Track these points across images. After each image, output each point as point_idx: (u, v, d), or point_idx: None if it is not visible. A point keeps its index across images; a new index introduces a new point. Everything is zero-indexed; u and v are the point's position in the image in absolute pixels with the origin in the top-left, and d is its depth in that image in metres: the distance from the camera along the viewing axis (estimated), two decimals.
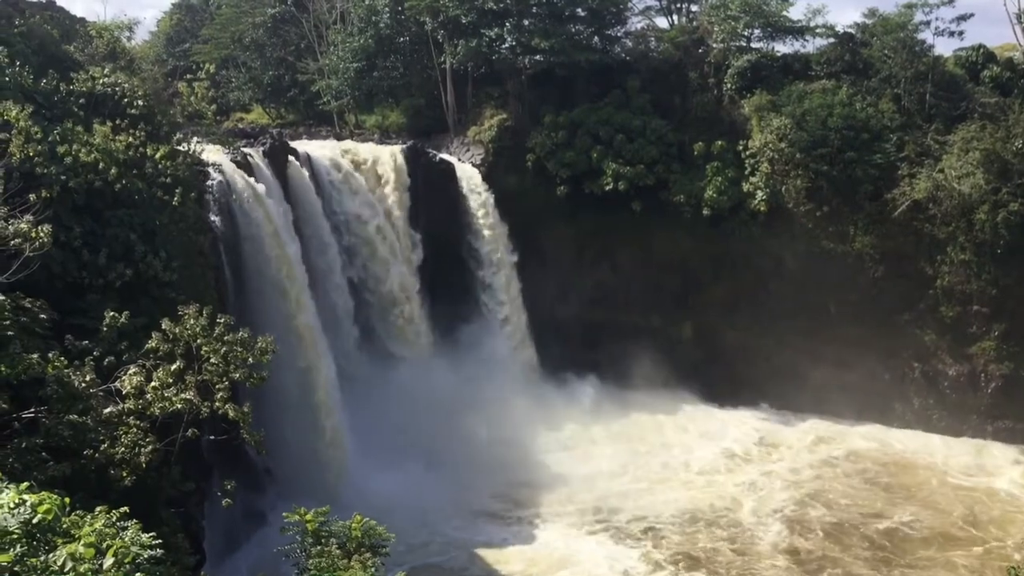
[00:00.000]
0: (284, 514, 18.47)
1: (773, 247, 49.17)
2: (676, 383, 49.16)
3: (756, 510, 39.07)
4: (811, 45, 53.73)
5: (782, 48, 54.17)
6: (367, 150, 48.42)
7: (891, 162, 47.26)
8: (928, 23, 49.32)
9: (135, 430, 18.77)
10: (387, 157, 47.43)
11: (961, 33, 50.16)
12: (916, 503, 39.80)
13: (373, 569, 17.00)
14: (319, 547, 17.47)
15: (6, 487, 9.47)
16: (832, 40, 52.29)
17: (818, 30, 52.82)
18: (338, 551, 17.44)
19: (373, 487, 36.77)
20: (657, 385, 48.95)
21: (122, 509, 11.95)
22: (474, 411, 43.15)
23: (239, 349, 20.02)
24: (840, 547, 36.11)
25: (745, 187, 49.21)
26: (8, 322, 18.16)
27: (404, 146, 49.87)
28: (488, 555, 35.31)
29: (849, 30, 51.89)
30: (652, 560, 35.04)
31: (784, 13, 52.74)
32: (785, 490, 40.87)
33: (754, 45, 53.56)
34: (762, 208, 48.57)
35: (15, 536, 8.60)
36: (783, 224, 48.81)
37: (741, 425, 47.74)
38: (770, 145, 48.56)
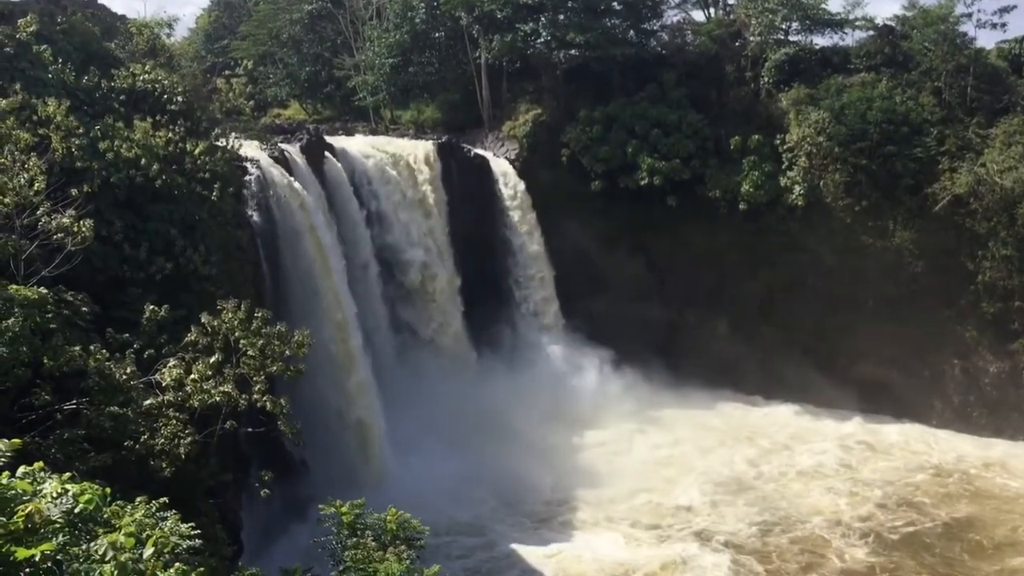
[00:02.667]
0: (320, 506, 18.66)
1: (810, 242, 48.60)
2: (712, 379, 48.69)
3: (816, 515, 37.27)
4: (850, 38, 53.17)
5: (820, 41, 53.61)
6: (402, 145, 48.66)
7: (931, 156, 46.51)
8: (970, 15, 48.39)
9: (174, 422, 19.02)
10: (422, 152, 47.62)
11: (1004, 25, 49.21)
12: (994, 512, 37.73)
13: (408, 561, 17.10)
14: (355, 539, 17.62)
15: (49, 477, 9.60)
16: (871, 33, 51.60)
17: (857, 23, 52.14)
18: (374, 543, 17.57)
19: (410, 480, 36.91)
20: (692, 381, 48.56)
21: (162, 499, 12.11)
22: (513, 406, 42.93)
23: (276, 342, 20.25)
24: (916, 562, 33.96)
25: (782, 181, 48.72)
26: (51, 315, 18.46)
27: (439, 141, 50.05)
28: (534, 559, 34.08)
29: (889, 23, 51.23)
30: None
31: (823, 6, 52.17)
32: (848, 495, 38.94)
33: (792, 38, 52.97)
34: (799, 203, 48.04)
35: (57, 525, 8.71)
36: (821, 219, 48.21)
37: (783, 423, 46.86)
38: (808, 139, 48.04)
